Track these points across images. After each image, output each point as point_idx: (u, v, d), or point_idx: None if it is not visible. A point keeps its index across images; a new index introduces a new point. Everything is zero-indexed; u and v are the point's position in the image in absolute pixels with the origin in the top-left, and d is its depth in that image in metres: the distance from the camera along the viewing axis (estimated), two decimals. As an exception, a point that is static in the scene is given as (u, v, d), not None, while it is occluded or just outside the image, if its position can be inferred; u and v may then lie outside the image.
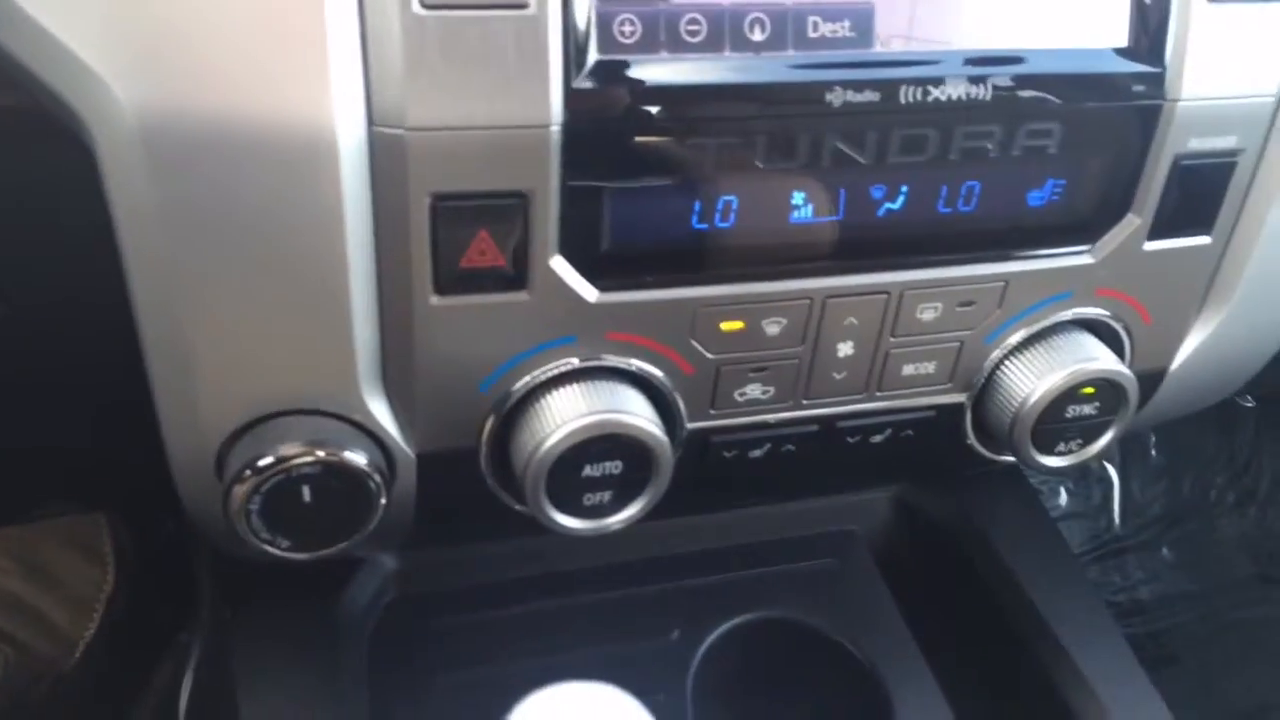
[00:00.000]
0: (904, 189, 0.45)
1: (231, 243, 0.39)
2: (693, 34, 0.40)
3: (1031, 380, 0.51)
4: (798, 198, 0.44)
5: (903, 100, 0.42)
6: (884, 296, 0.48)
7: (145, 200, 0.38)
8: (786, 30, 0.41)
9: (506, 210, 0.40)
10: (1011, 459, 0.55)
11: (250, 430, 0.44)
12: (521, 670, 0.47)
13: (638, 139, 0.41)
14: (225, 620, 0.58)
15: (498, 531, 0.59)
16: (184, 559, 0.70)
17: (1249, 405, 1.04)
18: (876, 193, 0.45)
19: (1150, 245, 0.50)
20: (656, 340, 0.46)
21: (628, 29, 0.40)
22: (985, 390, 0.53)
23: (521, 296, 0.43)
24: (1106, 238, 0.49)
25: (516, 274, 0.42)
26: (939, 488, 0.69)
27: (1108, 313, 0.52)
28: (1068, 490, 1.15)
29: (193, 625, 0.71)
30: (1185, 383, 0.58)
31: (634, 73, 0.40)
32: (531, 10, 0.38)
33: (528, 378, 0.45)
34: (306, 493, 0.43)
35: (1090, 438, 0.53)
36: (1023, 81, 0.44)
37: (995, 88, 0.43)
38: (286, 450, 0.43)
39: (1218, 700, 0.95)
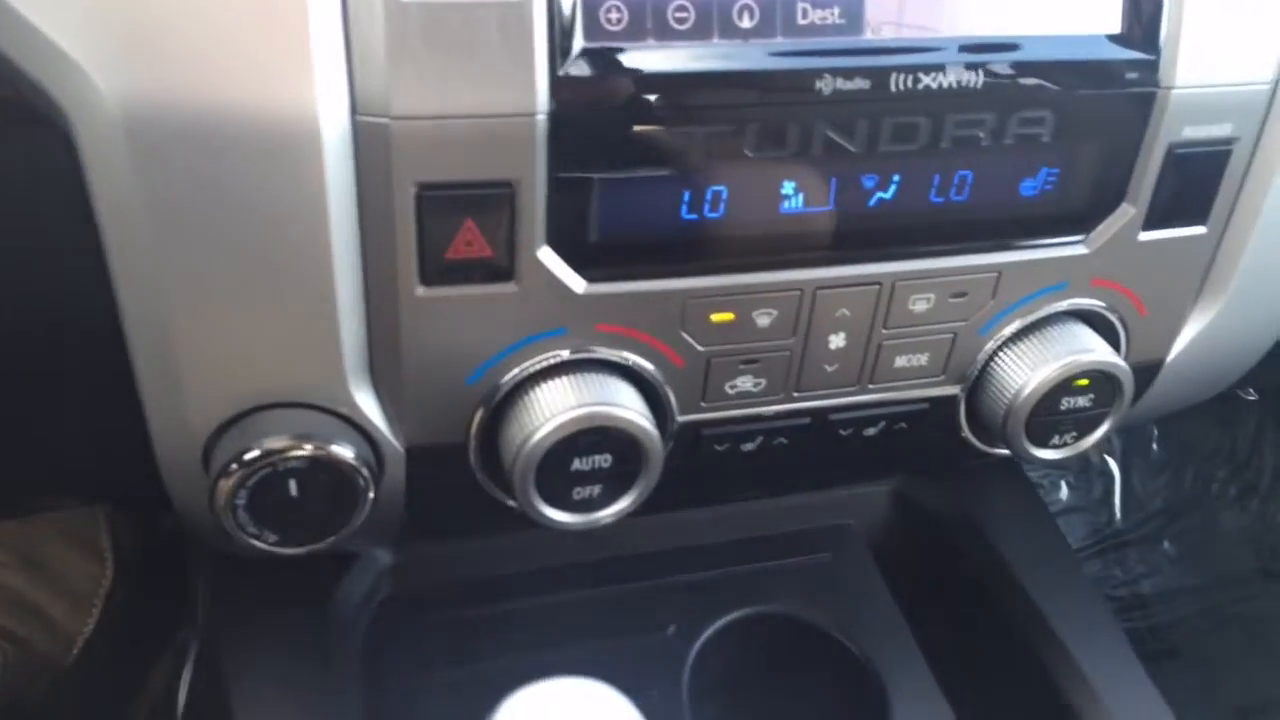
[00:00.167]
0: (895, 178, 0.45)
1: (215, 234, 0.39)
2: (680, 21, 0.40)
3: (1025, 372, 0.50)
4: (788, 187, 0.44)
5: (893, 88, 0.42)
6: (876, 287, 0.47)
7: (127, 192, 0.38)
8: (775, 17, 0.41)
9: (493, 200, 0.40)
10: (1006, 451, 0.55)
11: (237, 423, 0.44)
12: (517, 666, 0.47)
13: (625, 128, 0.41)
14: (219, 616, 0.58)
15: (491, 526, 0.59)
16: (183, 555, 0.70)
17: (1251, 399, 1.03)
18: (868, 182, 0.45)
19: (1145, 235, 0.50)
20: (646, 332, 0.45)
21: (614, 16, 0.39)
22: (979, 382, 0.52)
23: (509, 288, 0.42)
24: (1101, 228, 0.49)
25: (503, 265, 0.42)
26: (935, 481, 0.69)
27: (1103, 304, 0.52)
28: (1069, 484, 1.15)
29: (191, 621, 0.71)
30: (1181, 375, 0.57)
31: (621, 60, 0.40)
32: None
33: (516, 370, 0.45)
34: (293, 487, 0.43)
35: (1085, 430, 0.53)
36: (1014, 68, 0.43)
37: (987, 75, 0.43)
38: (273, 444, 0.42)
39: (1219, 694, 0.95)
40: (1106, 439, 0.78)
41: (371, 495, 0.45)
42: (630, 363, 0.46)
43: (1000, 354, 0.51)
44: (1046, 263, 0.49)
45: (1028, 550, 0.65)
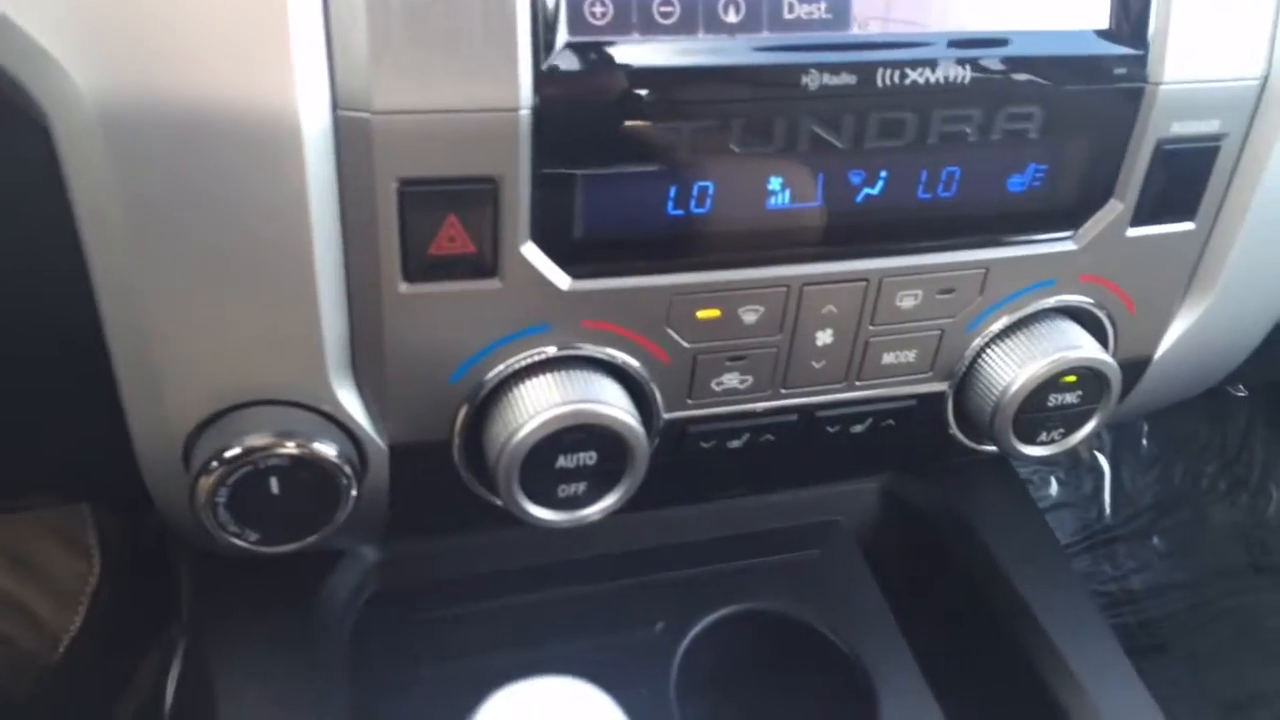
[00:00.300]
0: (883, 174, 0.45)
1: (194, 231, 0.39)
2: (666, 15, 0.40)
3: (1013, 369, 0.50)
4: (774, 183, 0.44)
5: (880, 83, 0.42)
6: (863, 284, 0.47)
7: (106, 188, 0.38)
8: (761, 11, 0.40)
9: (476, 196, 0.40)
10: (994, 448, 0.55)
11: (217, 421, 0.43)
12: (505, 664, 0.47)
13: (610, 123, 0.40)
14: (204, 613, 0.58)
15: (477, 524, 0.59)
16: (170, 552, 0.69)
17: (1240, 395, 1.03)
18: (855, 178, 0.45)
19: (1133, 231, 0.49)
20: (631, 329, 0.45)
21: (599, 10, 0.39)
22: (967, 379, 0.52)
23: (493, 284, 0.42)
24: (1089, 224, 0.49)
25: (487, 261, 0.41)
26: (925, 478, 0.69)
27: (1091, 300, 0.52)
28: (1059, 480, 1.15)
29: (179, 619, 0.71)
30: (1170, 371, 0.57)
31: (605, 55, 0.39)
32: None
33: (501, 367, 0.44)
34: (275, 485, 0.43)
35: (1073, 427, 0.53)
36: (1002, 64, 0.43)
37: (974, 70, 0.43)
38: (254, 441, 0.42)
39: (1208, 689, 0.95)
40: (1096, 435, 0.78)
41: (354, 493, 0.45)
42: (616, 360, 0.46)
43: (988, 351, 0.51)
44: (1034, 259, 0.49)
45: (1016, 546, 0.65)
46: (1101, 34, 0.45)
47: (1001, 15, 0.43)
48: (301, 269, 0.40)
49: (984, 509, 0.67)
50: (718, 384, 0.48)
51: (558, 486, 0.46)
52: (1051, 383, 0.50)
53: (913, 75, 0.42)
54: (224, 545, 0.44)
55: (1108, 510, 1.12)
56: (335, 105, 0.38)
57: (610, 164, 0.41)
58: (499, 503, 0.46)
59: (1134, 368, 0.56)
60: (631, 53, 0.39)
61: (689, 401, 0.49)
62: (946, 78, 0.42)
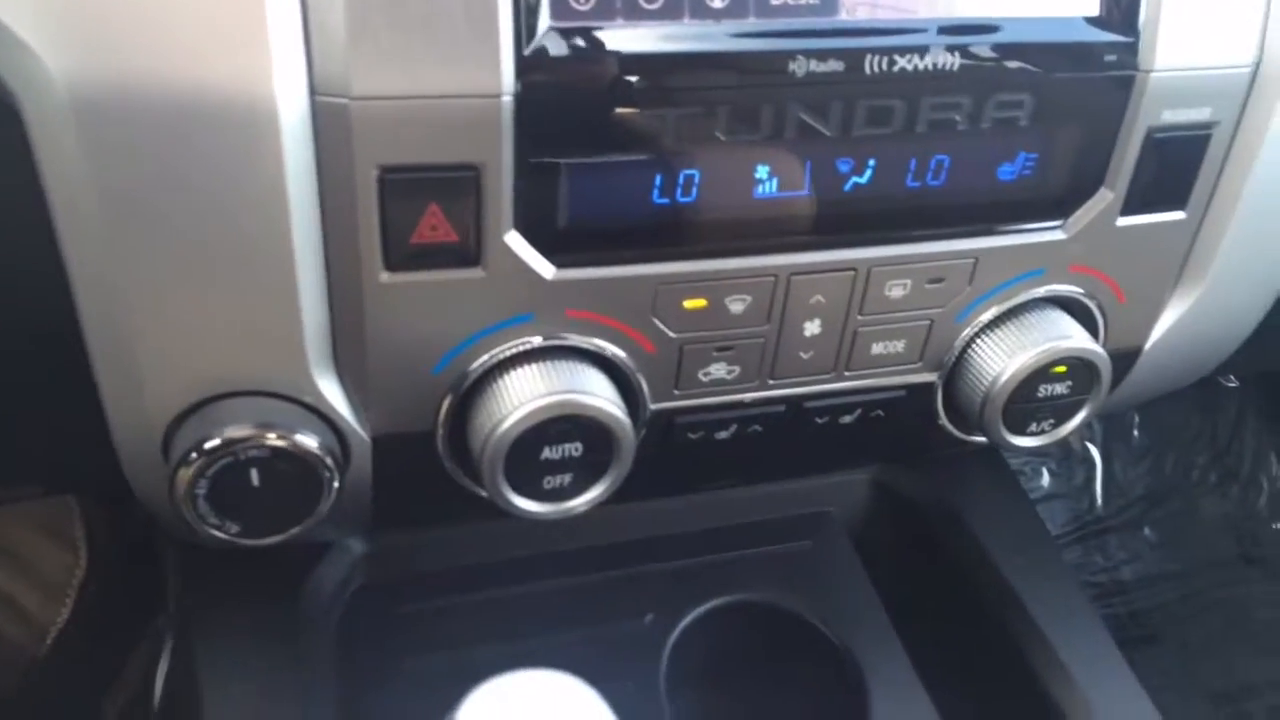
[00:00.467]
0: (871, 162, 0.44)
1: (169, 220, 0.38)
2: (651, 0, 0.39)
3: (1003, 359, 0.50)
4: (761, 171, 0.43)
5: (868, 70, 0.41)
6: (851, 273, 0.47)
7: (79, 176, 0.37)
8: None
9: (458, 184, 0.39)
10: (984, 439, 0.55)
11: (197, 411, 0.43)
12: (492, 656, 0.47)
13: (593, 110, 0.40)
14: (190, 605, 0.57)
15: (463, 516, 0.58)
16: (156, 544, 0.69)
17: (1231, 385, 1.03)
18: (843, 166, 0.44)
19: (1124, 221, 0.49)
20: (617, 318, 0.45)
21: (582, -6, 0.38)
22: (956, 369, 0.52)
23: (476, 273, 0.41)
24: (1079, 213, 0.48)
25: (470, 250, 0.41)
26: (915, 469, 0.68)
27: (1081, 290, 0.51)
28: (1050, 471, 1.15)
29: (166, 611, 0.71)
30: (1160, 362, 0.57)
31: (589, 40, 0.39)
32: None
33: (485, 357, 0.44)
34: (255, 476, 0.42)
35: (1062, 417, 0.53)
36: (991, 51, 0.43)
37: (964, 57, 0.42)
38: (234, 432, 0.42)
39: (1198, 679, 0.95)
40: (1087, 425, 0.78)
41: (336, 485, 0.44)
42: (601, 350, 0.45)
43: (977, 341, 0.51)
44: (1024, 248, 0.49)
45: (1007, 537, 0.65)
46: (1092, 21, 0.44)
47: (991, 1, 0.43)
48: (281, 258, 0.40)
49: (975, 500, 0.67)
50: (705, 374, 0.48)
51: (543, 478, 0.45)
52: (1041, 373, 0.50)
53: (901, 62, 0.41)
54: (205, 537, 0.44)
55: (1099, 501, 1.12)
56: (313, 90, 0.37)
57: (594, 151, 0.41)
58: (484, 494, 0.46)
59: (1124, 358, 0.55)
60: (615, 38, 0.39)
61: (676, 392, 0.48)
62: (936, 64, 0.42)
